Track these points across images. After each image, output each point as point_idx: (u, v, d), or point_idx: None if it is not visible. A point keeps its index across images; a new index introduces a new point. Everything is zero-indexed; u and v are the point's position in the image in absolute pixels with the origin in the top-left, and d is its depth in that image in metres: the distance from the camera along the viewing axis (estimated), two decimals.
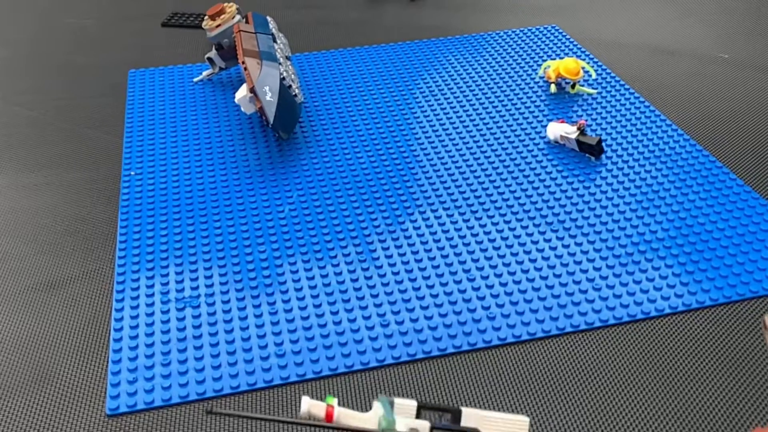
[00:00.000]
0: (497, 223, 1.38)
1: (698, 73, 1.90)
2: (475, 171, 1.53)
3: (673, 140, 1.61)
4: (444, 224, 1.38)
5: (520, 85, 1.85)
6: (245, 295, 1.24)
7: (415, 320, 1.18)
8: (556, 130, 1.58)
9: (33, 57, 2.10)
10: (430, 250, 1.32)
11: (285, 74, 1.55)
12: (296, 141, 1.65)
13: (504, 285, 1.24)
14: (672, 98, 1.78)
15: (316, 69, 1.96)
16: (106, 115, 1.79)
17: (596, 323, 1.17)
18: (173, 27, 2.24)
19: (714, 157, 1.55)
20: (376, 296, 1.23)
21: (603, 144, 1.57)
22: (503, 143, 1.62)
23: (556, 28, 2.13)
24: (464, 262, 1.29)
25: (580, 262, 1.28)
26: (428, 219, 1.40)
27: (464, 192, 1.47)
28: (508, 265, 1.28)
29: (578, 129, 1.54)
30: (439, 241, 1.34)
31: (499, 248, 1.32)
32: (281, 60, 1.61)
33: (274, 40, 1.70)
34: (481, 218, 1.40)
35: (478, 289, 1.23)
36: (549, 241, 1.34)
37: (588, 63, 1.90)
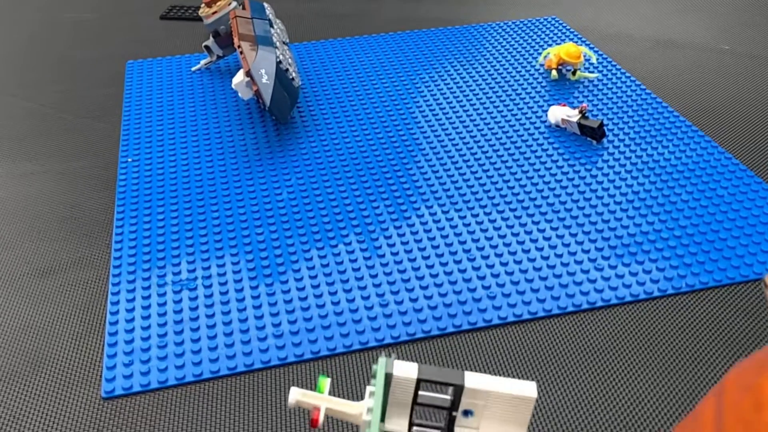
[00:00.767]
0: (498, 204, 1.37)
1: (699, 63, 1.88)
2: (476, 153, 1.52)
3: (675, 126, 1.59)
4: (444, 205, 1.37)
5: (521, 72, 1.83)
6: (242, 277, 1.23)
7: (414, 300, 1.17)
8: (558, 113, 1.57)
9: (33, 50, 2.10)
10: (430, 230, 1.30)
11: (281, 57, 1.53)
12: (295, 128, 1.63)
13: (505, 264, 1.22)
14: (672, 87, 1.77)
15: (315, 58, 1.95)
16: (105, 105, 1.78)
17: (598, 303, 1.15)
18: (172, 20, 2.24)
19: (716, 143, 1.54)
20: (375, 276, 1.21)
21: (604, 128, 1.55)
22: (504, 127, 1.61)
23: (556, 19, 2.12)
24: (464, 242, 1.27)
25: (581, 243, 1.27)
26: (428, 200, 1.38)
27: (464, 174, 1.45)
28: (509, 245, 1.27)
29: (580, 112, 1.53)
30: (439, 221, 1.33)
31: (499, 228, 1.30)
32: (278, 44, 1.59)
33: (271, 26, 1.69)
34: (481, 199, 1.38)
35: (478, 268, 1.22)
36: (551, 221, 1.32)
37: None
